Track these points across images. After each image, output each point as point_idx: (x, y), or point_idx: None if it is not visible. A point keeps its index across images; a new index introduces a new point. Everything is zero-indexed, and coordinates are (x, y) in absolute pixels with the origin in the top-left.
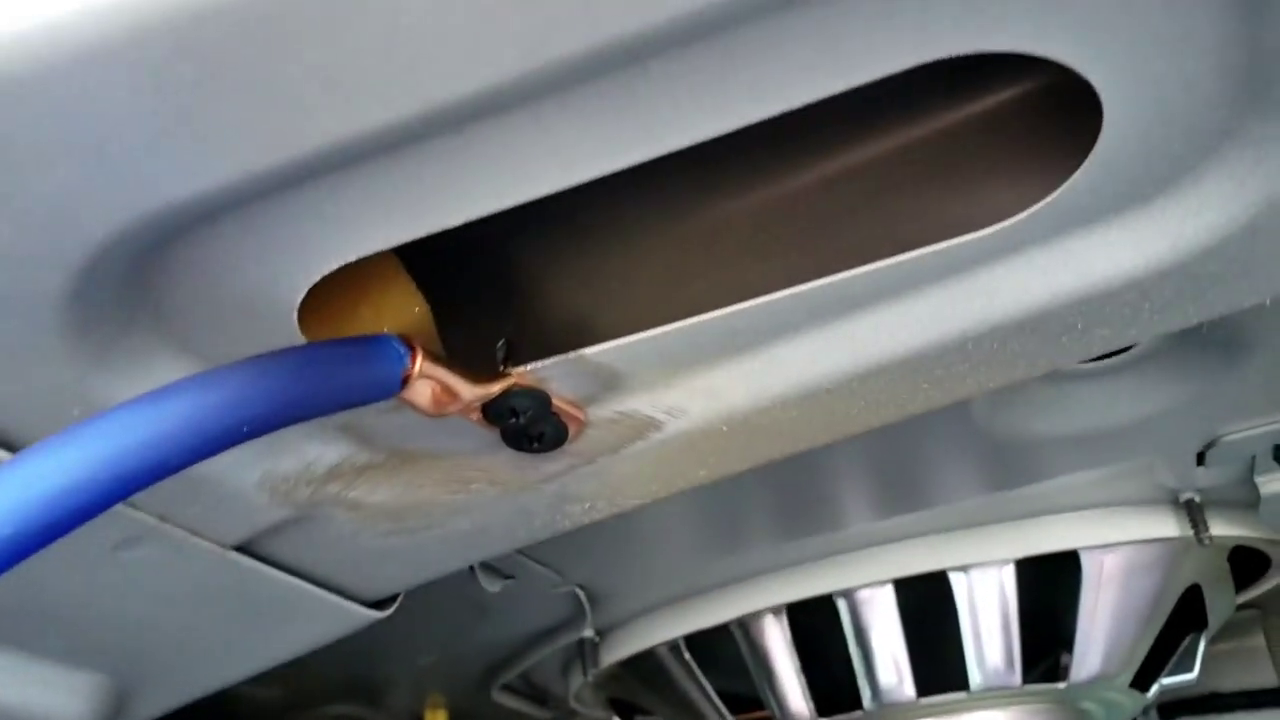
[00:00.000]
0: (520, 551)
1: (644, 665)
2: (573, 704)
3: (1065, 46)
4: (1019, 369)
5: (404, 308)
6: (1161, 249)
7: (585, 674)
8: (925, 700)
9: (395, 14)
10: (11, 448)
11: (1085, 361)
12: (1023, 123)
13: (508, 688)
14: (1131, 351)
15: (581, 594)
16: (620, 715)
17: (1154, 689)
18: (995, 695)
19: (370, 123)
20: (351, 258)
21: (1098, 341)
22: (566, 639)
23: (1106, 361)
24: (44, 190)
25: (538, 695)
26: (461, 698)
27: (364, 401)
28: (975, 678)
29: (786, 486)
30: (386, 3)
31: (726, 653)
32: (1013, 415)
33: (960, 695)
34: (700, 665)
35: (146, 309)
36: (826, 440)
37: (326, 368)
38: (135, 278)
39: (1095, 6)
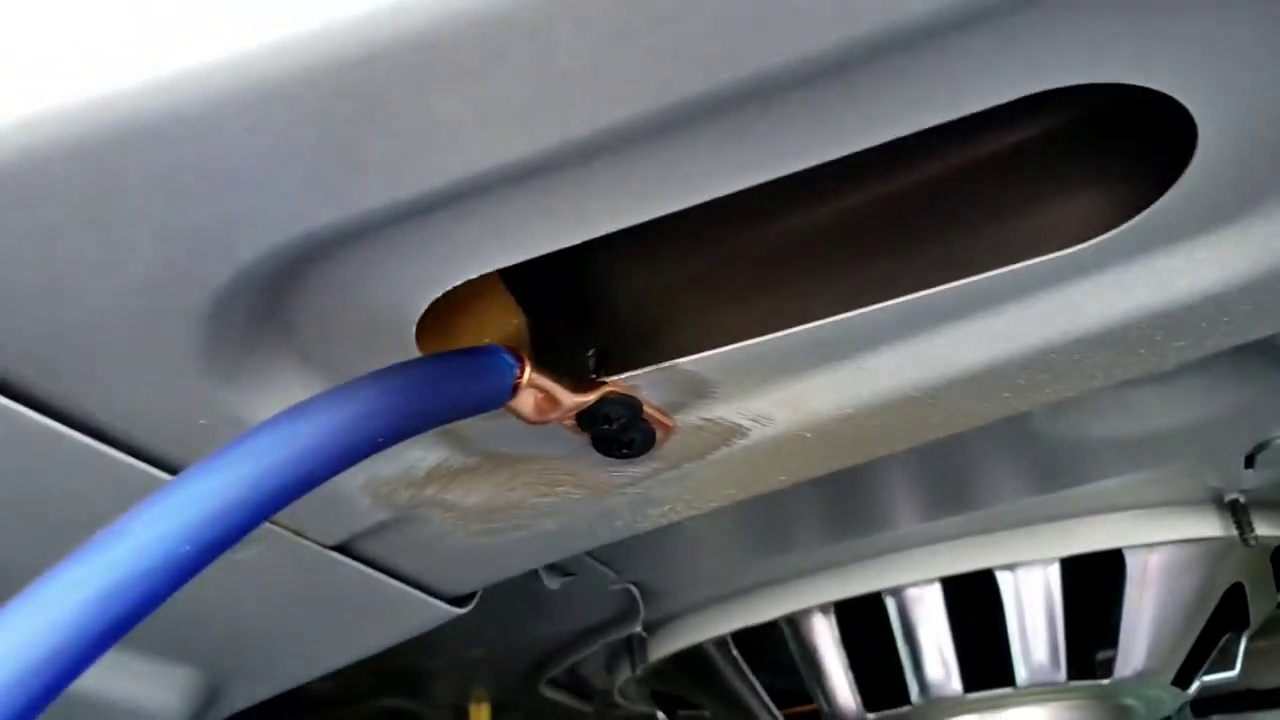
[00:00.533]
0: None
1: (691, 661)
2: (617, 698)
3: (1168, 77)
4: (1097, 379)
5: (504, 321)
6: (1243, 267)
7: (634, 669)
8: (972, 695)
9: (546, 51)
10: (142, 456)
11: None
12: (1111, 139)
13: (553, 682)
14: None
15: (635, 591)
16: (664, 710)
17: (1194, 686)
18: (1041, 691)
19: (513, 154)
20: (473, 275)
21: (1173, 353)
22: (616, 635)
23: None
24: (204, 218)
25: (581, 689)
26: (505, 692)
27: (479, 410)
28: (1021, 674)
29: (838, 489)
30: (537, 42)
31: (774, 649)
32: (1073, 419)
33: (1006, 691)
34: (748, 661)
35: (276, 326)
36: (907, 445)
37: (446, 379)
38: (270, 299)
39: (1198, 38)
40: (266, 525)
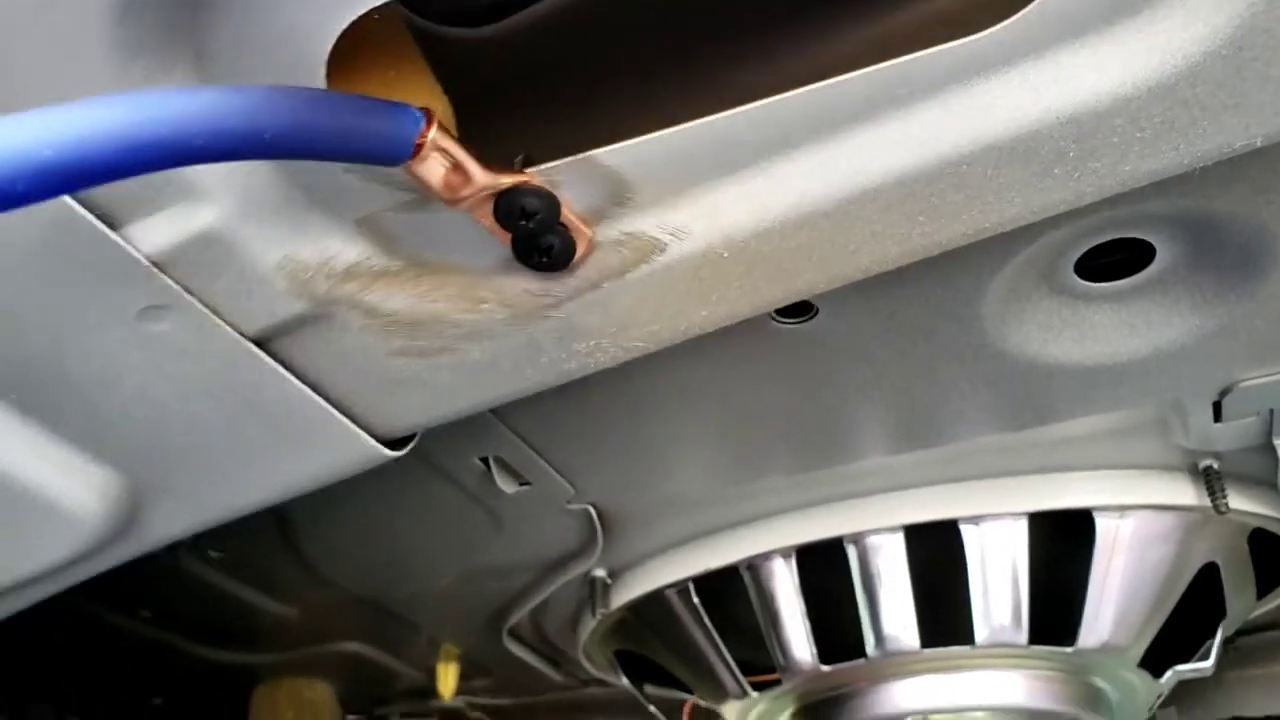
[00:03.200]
0: (537, 453)
1: (653, 609)
2: (581, 658)
3: None
4: (1014, 205)
5: (427, 103)
6: (1149, 65)
7: (594, 613)
8: (929, 651)
9: None
10: None
11: (1098, 281)
12: None
13: (517, 635)
14: (1146, 272)
15: (594, 513)
16: (629, 675)
17: (1167, 676)
18: (1000, 653)
19: None
20: (374, 2)
21: (1090, 177)
22: (578, 569)
23: (1121, 282)
24: None
25: (548, 650)
26: (473, 648)
27: (376, 156)
28: (981, 632)
29: (799, 403)
30: None
31: (735, 600)
32: (1026, 334)
33: (964, 649)
34: (708, 612)
35: (189, 50)
36: (829, 282)
37: (347, 110)
38: (180, 8)
39: None
40: (180, 292)
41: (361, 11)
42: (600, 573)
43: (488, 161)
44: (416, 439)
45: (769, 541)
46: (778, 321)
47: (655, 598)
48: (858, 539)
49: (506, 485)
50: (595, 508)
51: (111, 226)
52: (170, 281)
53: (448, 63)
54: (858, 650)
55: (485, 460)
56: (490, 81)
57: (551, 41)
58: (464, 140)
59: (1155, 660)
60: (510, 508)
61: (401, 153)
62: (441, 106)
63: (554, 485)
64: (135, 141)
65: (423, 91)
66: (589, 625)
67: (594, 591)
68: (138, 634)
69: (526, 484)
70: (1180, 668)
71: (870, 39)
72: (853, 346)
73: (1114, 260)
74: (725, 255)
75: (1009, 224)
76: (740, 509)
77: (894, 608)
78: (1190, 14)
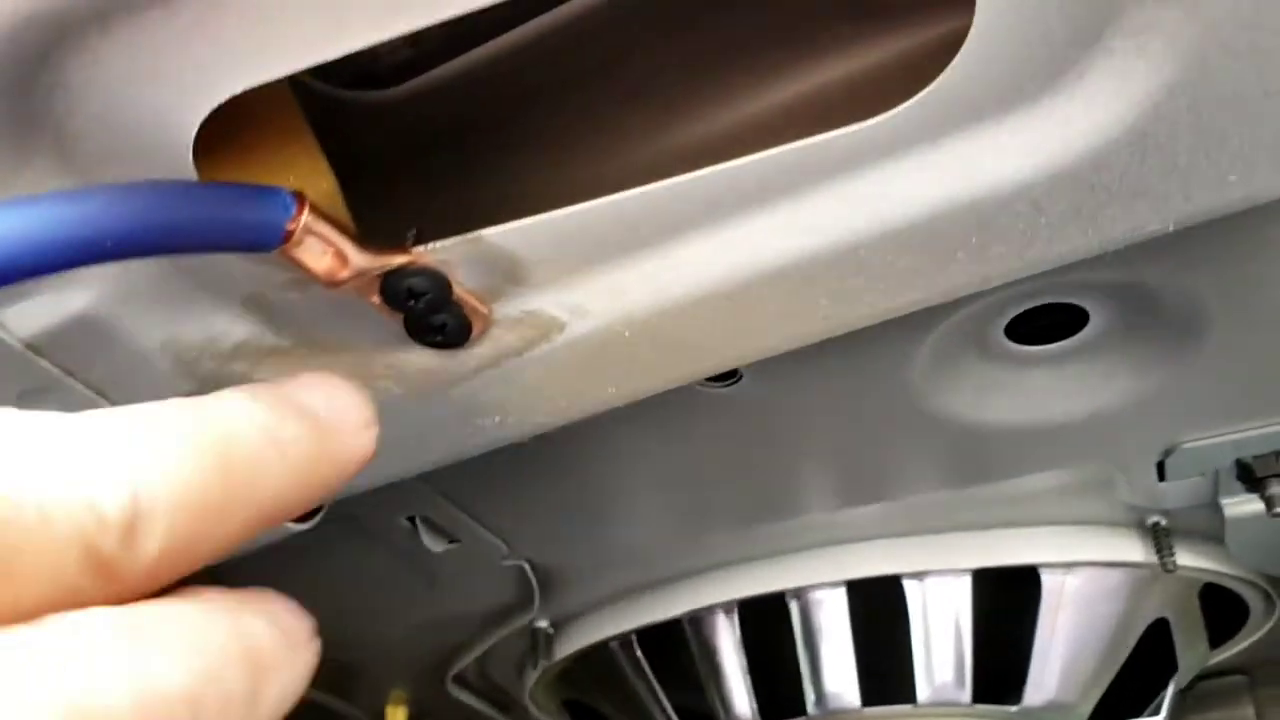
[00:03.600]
0: (466, 513)
1: (596, 661)
2: (529, 705)
3: None
4: (918, 290)
5: (311, 183)
6: (1050, 152)
7: (535, 665)
8: (870, 710)
9: None
10: None
11: (1032, 345)
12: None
13: (462, 682)
14: (1080, 336)
15: (529, 568)
16: None
17: None
18: (943, 711)
19: None
20: (242, 86)
21: (996, 262)
22: (517, 623)
23: (1053, 346)
24: None
25: (496, 696)
26: (420, 693)
27: (243, 245)
28: (923, 691)
29: (739, 469)
30: None
31: (677, 653)
32: (958, 398)
33: (906, 708)
34: (651, 665)
35: (49, 136)
36: (735, 360)
37: (207, 202)
38: (31, 93)
39: None
40: (61, 375)
41: (230, 94)
42: (542, 624)
43: (370, 242)
44: (324, 511)
45: (711, 595)
46: (701, 386)
47: (598, 649)
48: (800, 593)
49: (434, 544)
50: (530, 563)
51: None
52: (48, 364)
53: (342, 127)
54: (798, 707)
55: (411, 520)
56: (388, 147)
57: (452, 107)
58: (358, 211)
59: (1104, 717)
60: (442, 565)
61: (271, 240)
62: (326, 181)
63: (485, 543)
64: None
65: (306, 163)
66: (533, 675)
67: (536, 643)
68: None
69: (456, 542)
70: None
71: (763, 112)
72: (781, 410)
73: (1047, 323)
74: (627, 334)
75: (916, 306)
76: (682, 562)
77: (835, 664)
78: (1090, 101)
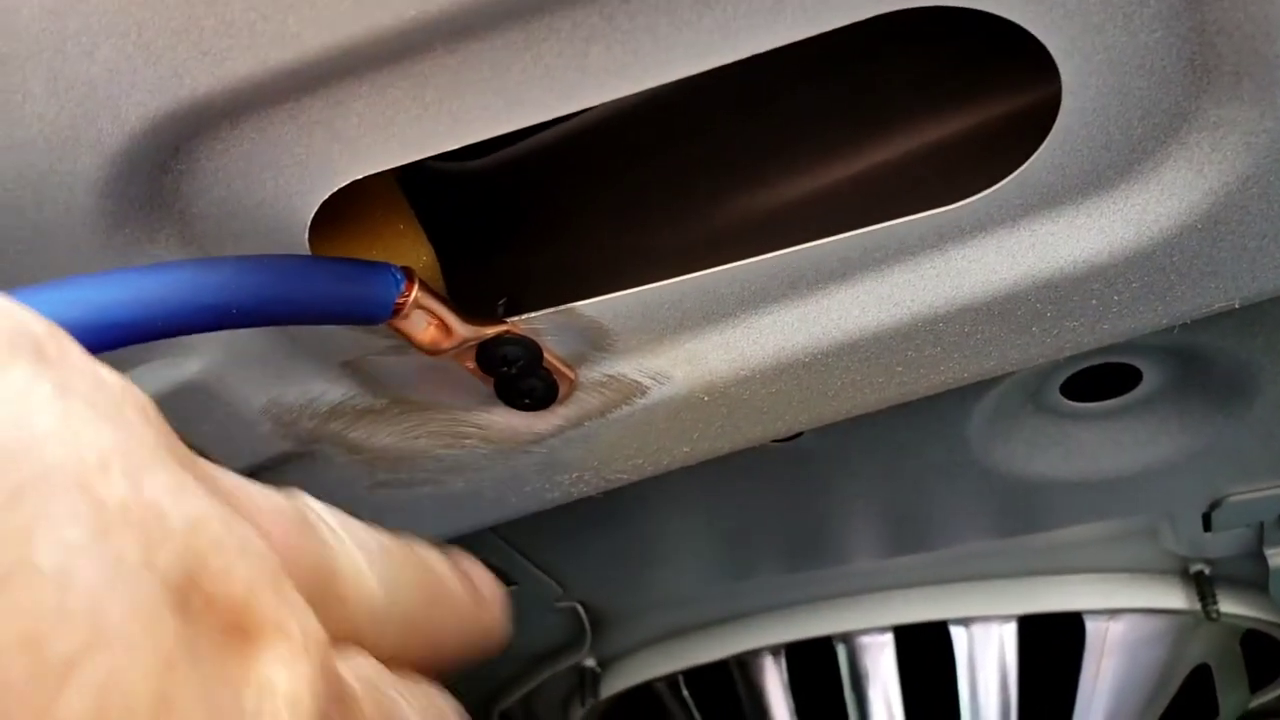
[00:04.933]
0: (524, 556)
1: (643, 701)
2: None
3: (1018, 7)
4: (991, 359)
5: (412, 255)
6: (1126, 236)
7: (583, 703)
8: None
9: None
10: None
11: (1086, 401)
12: (1005, 131)
13: (507, 717)
14: (1133, 394)
15: (582, 610)
16: None
17: None
18: None
19: (375, 22)
20: (360, 173)
21: (1068, 335)
22: (566, 662)
23: (1107, 403)
24: (88, 71)
25: None
26: None
27: (357, 319)
28: None
29: (790, 515)
30: None
31: (724, 694)
32: (1013, 452)
33: None
34: (697, 705)
35: (174, 215)
36: (808, 423)
37: (324, 277)
38: (164, 177)
39: None
40: None
41: (348, 181)
42: (590, 663)
43: (469, 312)
44: None
45: (759, 638)
46: None
47: (645, 689)
48: (847, 638)
49: None
50: (584, 605)
51: None
52: None
53: (431, 195)
54: None
55: None
56: (474, 214)
57: (536, 178)
58: (448, 277)
59: None
60: None
61: (381, 314)
62: (425, 253)
63: (541, 585)
64: (96, 327)
65: (407, 237)
66: (579, 713)
67: (583, 681)
68: None
69: (513, 584)
70: None
71: (854, 181)
72: (839, 463)
73: (1101, 381)
74: (706, 399)
75: (987, 374)
76: (731, 605)
77: (882, 708)
78: (1165, 189)
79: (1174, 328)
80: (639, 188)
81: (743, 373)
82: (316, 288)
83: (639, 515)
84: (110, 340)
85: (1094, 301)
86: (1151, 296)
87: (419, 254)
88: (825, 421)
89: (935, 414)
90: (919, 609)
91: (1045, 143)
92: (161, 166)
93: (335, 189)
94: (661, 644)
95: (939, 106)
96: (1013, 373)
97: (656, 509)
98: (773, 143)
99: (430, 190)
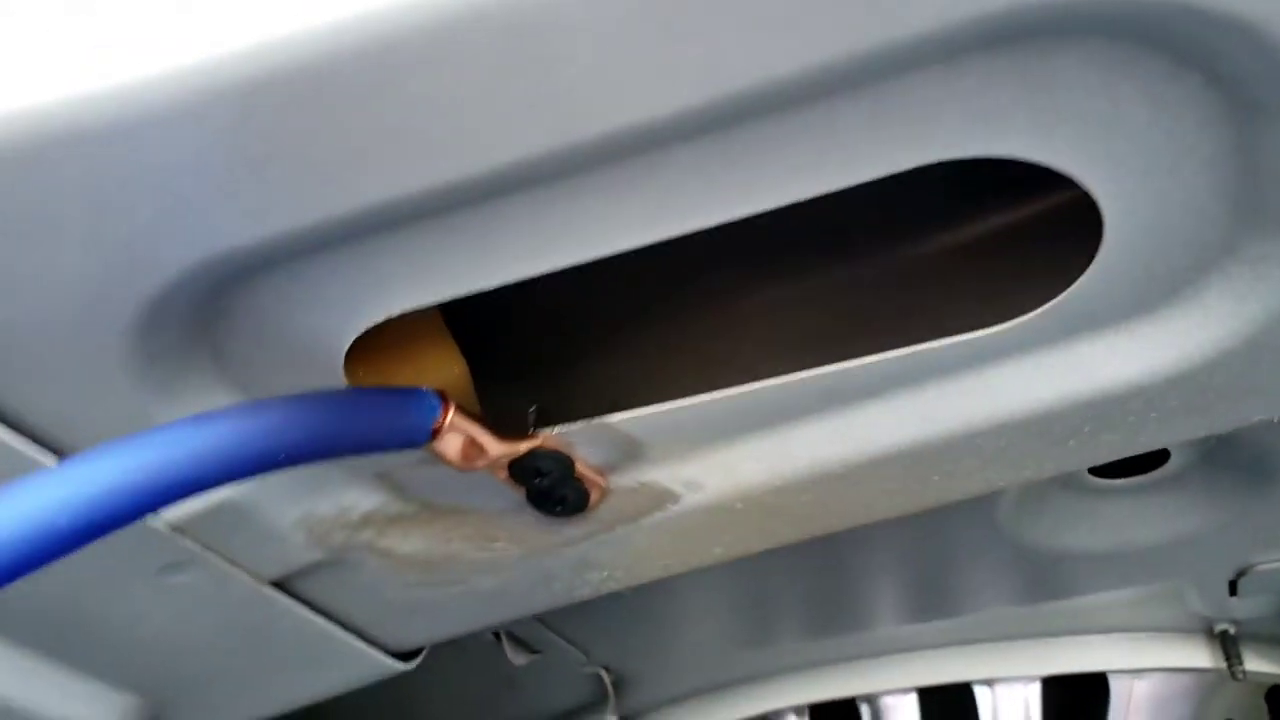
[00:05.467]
0: (547, 627)
1: None
2: None
3: (1065, 153)
4: (1027, 469)
5: (444, 369)
6: (1166, 359)
7: None
8: None
9: (439, 86)
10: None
11: (1114, 478)
12: (1041, 238)
13: None
14: (1161, 470)
15: (605, 676)
16: None
17: None
18: None
19: (410, 185)
20: (395, 312)
21: (1105, 447)
22: None
23: (1135, 479)
24: (126, 229)
25: None
26: None
27: (396, 446)
28: None
29: (814, 583)
30: (432, 76)
31: None
32: (1040, 527)
33: None
34: None
35: (207, 350)
36: (840, 526)
37: (364, 410)
38: (198, 319)
39: (1091, 118)
40: (200, 550)
41: (382, 319)
42: (611, 717)
43: (501, 428)
44: (425, 651)
45: (783, 699)
46: None
47: None
48: (871, 699)
49: (516, 658)
50: (607, 669)
51: None
52: (190, 543)
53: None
54: None
55: (496, 634)
56: (506, 323)
57: (567, 289)
58: (479, 385)
59: None
60: (523, 671)
61: (419, 440)
62: (458, 366)
63: (565, 653)
64: (152, 488)
65: (440, 353)
66: None
67: None
68: None
69: (536, 653)
70: None
71: (889, 300)
72: (868, 539)
73: (1128, 459)
74: (739, 506)
75: (1023, 481)
76: (755, 665)
77: None
78: (1208, 315)
79: None
80: (671, 302)
81: (776, 482)
82: (359, 422)
83: (664, 587)
84: (167, 500)
85: (1132, 418)
86: (1191, 412)
87: (451, 367)
88: (859, 524)
89: (965, 499)
90: (943, 670)
91: (1086, 272)
92: (197, 310)
93: (371, 324)
94: (685, 703)
95: (975, 216)
96: None
97: (681, 579)
98: (808, 256)
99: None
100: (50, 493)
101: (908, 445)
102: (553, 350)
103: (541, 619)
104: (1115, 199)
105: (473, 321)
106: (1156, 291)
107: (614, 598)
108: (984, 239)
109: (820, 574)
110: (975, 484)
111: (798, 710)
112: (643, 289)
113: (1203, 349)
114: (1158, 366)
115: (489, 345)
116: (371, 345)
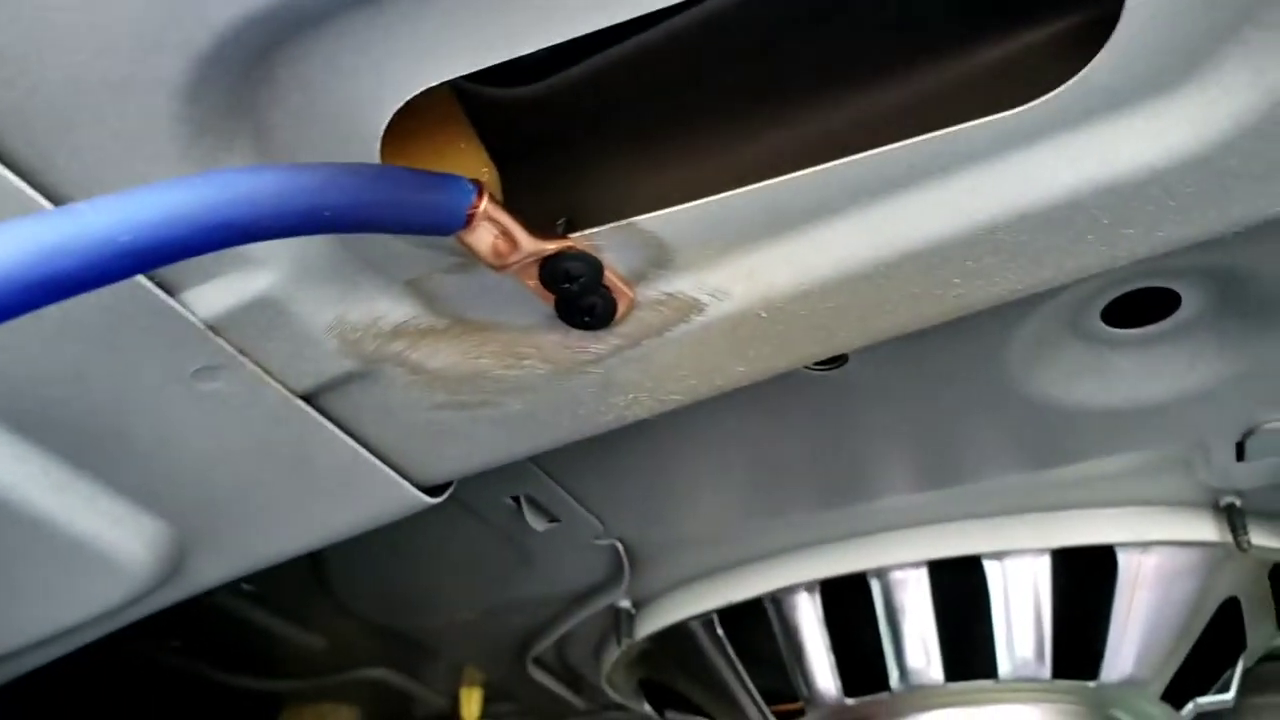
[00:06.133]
0: (567, 491)
1: (677, 640)
2: (605, 686)
3: None
4: (1047, 269)
5: (474, 172)
6: (1184, 138)
7: (619, 643)
8: (953, 685)
9: None
10: None
11: (1124, 327)
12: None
13: (541, 663)
14: (1172, 319)
15: (621, 548)
16: (652, 703)
17: (1189, 708)
18: (1023, 687)
19: None
20: (435, 80)
21: (1124, 243)
22: (603, 602)
23: (1146, 329)
24: None
25: (571, 678)
26: (497, 674)
27: (431, 229)
28: (1004, 667)
29: (824, 444)
30: None
31: (759, 632)
32: (1051, 379)
33: (988, 683)
34: (733, 643)
35: (250, 125)
36: (864, 339)
37: (404, 184)
38: (245, 84)
39: None
40: (234, 354)
41: (420, 89)
42: (625, 604)
43: (533, 228)
44: (453, 486)
45: (793, 575)
46: (807, 369)
47: (679, 629)
48: (881, 573)
49: (536, 523)
50: (622, 542)
51: (169, 293)
52: (224, 344)
53: (490, 121)
54: (881, 683)
55: (516, 499)
56: (531, 140)
57: (591, 100)
58: (508, 199)
59: (1177, 693)
60: (539, 544)
61: (454, 224)
62: (489, 172)
63: (582, 522)
64: (206, 224)
65: (470, 156)
66: (613, 655)
67: (619, 622)
68: (166, 663)
69: (556, 521)
70: (1201, 700)
71: (910, 96)
72: (880, 392)
73: (1139, 306)
74: (763, 315)
75: (1042, 286)
76: (764, 542)
77: (918, 642)
78: (1224, 90)
79: (1215, 246)
80: (695, 107)
81: (802, 286)
82: (397, 195)
83: (679, 448)
84: (214, 242)
85: (1150, 207)
86: (1207, 202)
87: (480, 170)
88: (880, 338)
89: (977, 341)
90: (953, 543)
91: (1107, 45)
92: (244, 73)
93: (409, 97)
94: (695, 584)
95: (994, 23)
96: (1055, 295)
97: (697, 442)
98: (830, 60)
99: (487, 117)
100: (107, 210)
101: (932, 240)
102: (579, 162)
103: (560, 483)
104: None
105: (504, 143)
106: (1175, 66)
107: (631, 467)
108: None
109: (832, 439)
110: (995, 288)
111: (809, 586)
112: (667, 99)
113: (1220, 126)
114: (1175, 147)
115: (516, 159)
116: (404, 150)
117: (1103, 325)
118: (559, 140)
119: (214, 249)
